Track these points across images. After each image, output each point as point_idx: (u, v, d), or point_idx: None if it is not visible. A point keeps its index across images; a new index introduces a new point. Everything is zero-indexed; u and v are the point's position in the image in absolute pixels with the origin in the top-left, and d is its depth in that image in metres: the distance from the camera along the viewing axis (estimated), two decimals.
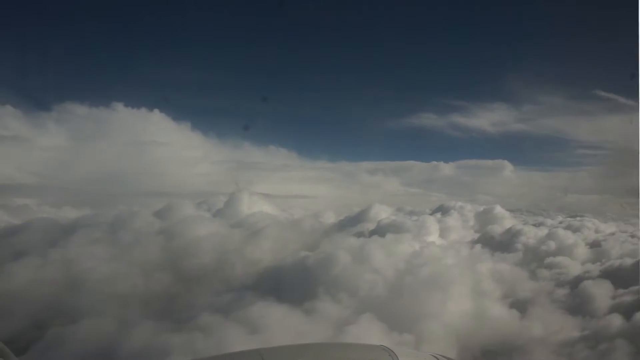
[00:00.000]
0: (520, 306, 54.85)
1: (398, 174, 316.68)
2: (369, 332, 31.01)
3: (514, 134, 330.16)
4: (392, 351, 4.34)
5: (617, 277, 62.64)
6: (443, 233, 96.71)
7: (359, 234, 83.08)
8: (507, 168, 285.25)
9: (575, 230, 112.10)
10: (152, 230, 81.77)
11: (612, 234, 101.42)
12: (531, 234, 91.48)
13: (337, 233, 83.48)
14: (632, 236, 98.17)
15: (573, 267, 72.99)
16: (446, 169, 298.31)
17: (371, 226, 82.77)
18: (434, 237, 79.87)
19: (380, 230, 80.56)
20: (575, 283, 63.99)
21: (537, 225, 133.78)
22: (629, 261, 66.41)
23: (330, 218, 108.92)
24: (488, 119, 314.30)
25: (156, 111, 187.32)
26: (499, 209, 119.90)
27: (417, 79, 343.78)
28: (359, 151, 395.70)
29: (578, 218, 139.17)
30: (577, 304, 55.76)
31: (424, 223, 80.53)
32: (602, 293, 57.05)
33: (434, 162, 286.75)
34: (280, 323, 35.67)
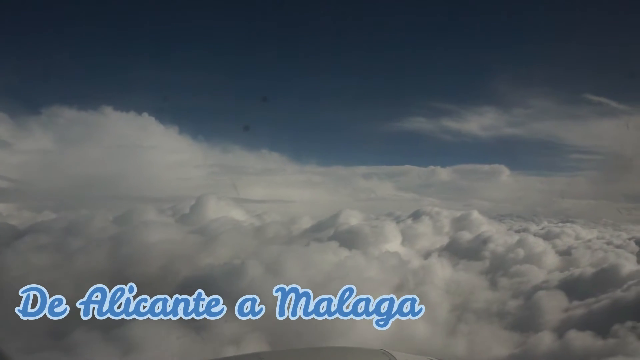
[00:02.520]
0: (462, 320, 51.83)
1: (393, 179, 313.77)
2: None
3: (508, 138, 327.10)
4: (392, 355, 4.39)
5: (575, 288, 59.37)
6: (411, 239, 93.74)
7: (317, 241, 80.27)
8: (504, 172, 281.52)
9: (554, 237, 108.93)
10: (104, 237, 79.32)
11: (588, 241, 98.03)
12: (500, 241, 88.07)
13: (295, 240, 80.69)
14: (608, 243, 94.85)
15: (535, 277, 69.52)
16: (443, 173, 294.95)
17: (330, 233, 79.80)
18: (394, 244, 76.68)
19: (338, 238, 77.74)
20: (531, 294, 60.69)
21: (519, 231, 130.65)
22: (589, 271, 62.97)
23: (304, 224, 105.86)
24: (479, 122, 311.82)
25: (145, 114, 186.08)
26: (476, 215, 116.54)
27: (403, 82, 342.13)
28: (354, 156, 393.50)
29: (560, 224, 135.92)
30: (523, 317, 52.57)
31: (382, 230, 77.31)
32: (553, 305, 53.83)
33: (432, 167, 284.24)
34: (163, 341, 32.95)
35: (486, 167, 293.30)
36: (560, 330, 43.10)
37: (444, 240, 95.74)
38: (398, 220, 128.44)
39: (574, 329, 40.67)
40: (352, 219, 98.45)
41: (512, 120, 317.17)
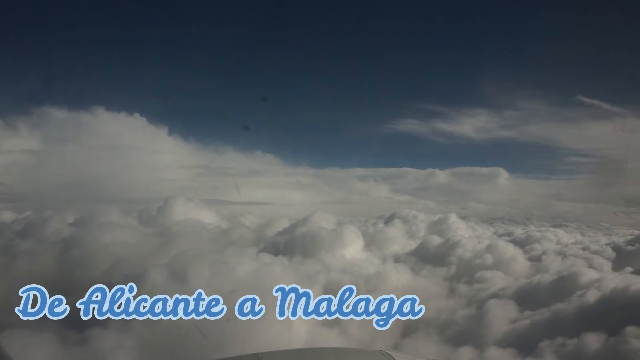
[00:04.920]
0: (400, 332, 48.77)
1: (390, 181, 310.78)
2: None
3: (504, 141, 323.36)
4: (391, 356, 4.39)
5: (529, 296, 56.14)
6: (379, 244, 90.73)
7: (272, 245, 77.79)
8: (503, 175, 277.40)
9: (534, 241, 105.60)
10: (56, 238, 77.39)
11: (565, 246, 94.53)
12: (469, 247, 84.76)
13: (248, 244, 78.19)
14: (584, 249, 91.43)
15: (496, 284, 66.24)
16: (441, 176, 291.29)
17: (287, 237, 77.19)
18: (352, 249, 73.76)
19: (293, 241, 75.24)
20: (483, 303, 57.49)
21: (502, 235, 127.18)
22: (548, 279, 59.66)
23: (274, 227, 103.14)
24: (471, 125, 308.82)
25: (136, 115, 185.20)
26: (454, 218, 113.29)
27: (392, 84, 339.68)
28: (352, 158, 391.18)
29: (543, 228, 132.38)
30: (466, 329, 49.44)
31: (341, 234, 74.39)
32: (499, 316, 50.60)
33: (430, 169, 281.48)
34: (36, 356, 30.45)
35: (484, 169, 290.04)
36: (487, 345, 39.92)
37: (413, 245, 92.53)
38: (380, 223, 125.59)
39: (496, 346, 37.51)
40: (323, 222, 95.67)
41: (504, 123, 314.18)
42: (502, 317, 51.12)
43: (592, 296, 42.80)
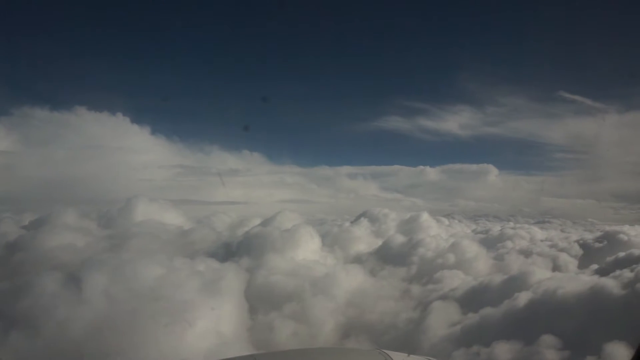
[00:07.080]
0: (336, 338, 46.51)
1: (381, 179, 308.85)
2: None
3: (489, 138, 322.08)
4: (388, 354, 4.59)
5: (475, 298, 53.81)
6: (342, 244, 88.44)
7: (224, 247, 75.58)
8: (492, 172, 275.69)
9: (506, 239, 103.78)
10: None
11: (533, 243, 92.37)
12: (432, 246, 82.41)
13: (208, 245, 75.95)
14: (552, 246, 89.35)
15: (450, 284, 63.92)
16: (432, 173, 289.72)
17: (241, 239, 74.94)
18: (307, 249, 71.42)
19: (244, 243, 73.01)
20: (430, 304, 55.18)
21: (480, 232, 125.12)
22: (497, 279, 57.35)
23: (246, 227, 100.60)
24: (455, 121, 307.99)
25: (119, 115, 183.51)
26: (425, 217, 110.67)
27: (375, 82, 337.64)
28: (341, 156, 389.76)
29: (518, 225, 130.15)
30: (404, 333, 47.19)
31: (294, 235, 71.96)
32: (440, 320, 48.27)
33: (421, 167, 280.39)
34: None
35: (474, 166, 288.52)
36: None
37: (377, 245, 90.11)
38: (354, 222, 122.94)
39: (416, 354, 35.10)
40: (288, 222, 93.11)
41: (488, 120, 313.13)
42: (441, 321, 48.78)
43: (523, 299, 40.44)
